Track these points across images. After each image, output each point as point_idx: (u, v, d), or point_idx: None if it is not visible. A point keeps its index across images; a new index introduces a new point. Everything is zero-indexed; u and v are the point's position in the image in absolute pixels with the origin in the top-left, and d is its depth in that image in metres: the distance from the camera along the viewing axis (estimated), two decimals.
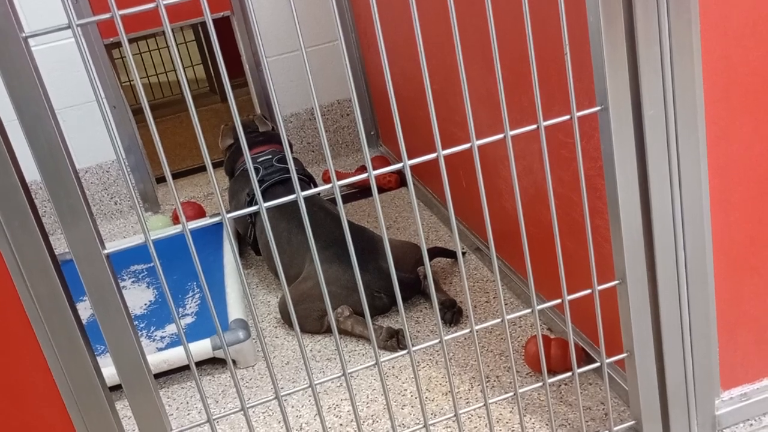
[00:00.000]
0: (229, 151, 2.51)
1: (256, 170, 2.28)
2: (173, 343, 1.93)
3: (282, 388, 1.74)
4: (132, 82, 4.33)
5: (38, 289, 0.97)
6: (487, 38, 1.04)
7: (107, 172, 2.95)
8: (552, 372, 1.55)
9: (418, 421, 1.56)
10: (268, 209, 1.01)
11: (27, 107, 0.88)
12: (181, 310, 2.07)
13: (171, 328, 2.00)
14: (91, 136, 2.86)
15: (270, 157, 2.34)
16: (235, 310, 1.95)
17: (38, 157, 0.91)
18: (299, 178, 2.33)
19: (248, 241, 2.33)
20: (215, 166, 2.60)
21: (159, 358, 1.80)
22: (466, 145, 1.05)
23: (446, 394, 1.62)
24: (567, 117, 1.09)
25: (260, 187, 2.23)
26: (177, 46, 0.93)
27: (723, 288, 1.28)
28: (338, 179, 1.04)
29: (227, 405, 1.74)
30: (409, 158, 1.04)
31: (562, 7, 1.02)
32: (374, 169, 1.04)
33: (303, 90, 3.04)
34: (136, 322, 2.04)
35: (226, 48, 0.87)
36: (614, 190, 1.14)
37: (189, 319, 2.03)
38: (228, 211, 1.01)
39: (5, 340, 1.02)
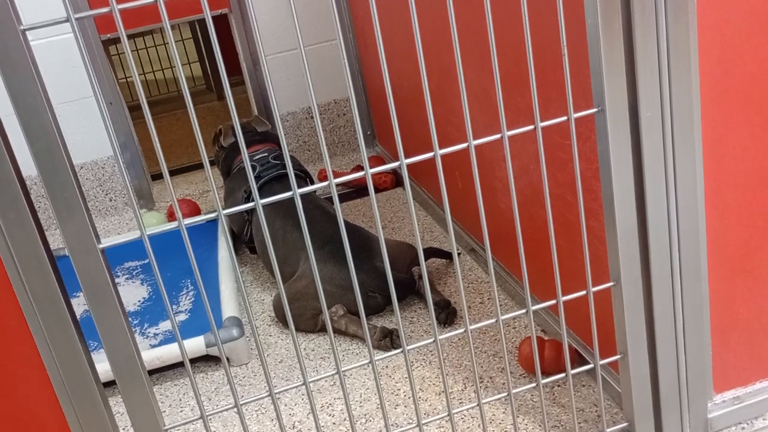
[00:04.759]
0: (225, 150, 2.51)
1: (253, 168, 2.28)
2: (166, 340, 1.92)
3: (275, 386, 1.74)
4: (129, 79, 4.32)
5: (33, 284, 0.97)
6: (483, 38, 1.04)
7: (102, 168, 2.94)
8: (545, 373, 1.55)
9: (411, 421, 1.56)
10: (264, 207, 1.01)
11: (24, 100, 0.88)
12: (174, 307, 2.07)
13: (164, 325, 2.00)
14: (87, 132, 2.85)
15: (266, 155, 2.34)
16: (228, 308, 1.95)
17: (35, 151, 0.90)
18: (296, 174, 2.34)
19: (244, 239, 2.33)
20: (211, 164, 2.60)
21: (152, 355, 1.80)
22: (463, 145, 1.05)
23: (440, 394, 1.62)
24: (564, 118, 1.09)
25: (257, 184, 2.23)
26: (174, 43, 0.93)
27: (717, 291, 1.29)
28: (334, 178, 1.04)
29: (220, 402, 1.74)
30: (405, 159, 1.04)
31: (560, 8, 1.02)
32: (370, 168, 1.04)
33: (300, 89, 3.03)
34: (130, 319, 2.03)
35: (224, 46, 0.87)
36: (610, 191, 1.14)
37: (182, 317, 2.03)
38: (224, 209, 1.01)
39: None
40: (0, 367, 1.04)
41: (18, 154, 0.93)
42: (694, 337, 1.26)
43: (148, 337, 1.96)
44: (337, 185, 1.03)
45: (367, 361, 1.14)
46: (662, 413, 1.30)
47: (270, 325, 2.01)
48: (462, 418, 1.52)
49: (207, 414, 1.10)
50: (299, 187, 1.02)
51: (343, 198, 2.67)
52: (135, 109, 3.30)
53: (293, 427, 1.61)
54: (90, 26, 2.75)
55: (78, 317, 1.03)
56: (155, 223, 2.69)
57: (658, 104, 1.10)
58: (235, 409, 1.10)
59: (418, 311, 1.95)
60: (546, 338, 1.67)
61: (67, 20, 0.86)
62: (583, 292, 1.20)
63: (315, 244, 1.93)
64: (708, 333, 1.30)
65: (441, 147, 1.05)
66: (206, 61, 4.54)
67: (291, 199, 1.02)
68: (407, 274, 1.96)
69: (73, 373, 1.03)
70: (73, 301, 1.02)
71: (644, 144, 1.12)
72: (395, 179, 2.75)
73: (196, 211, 2.72)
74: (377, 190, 2.70)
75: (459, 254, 2.17)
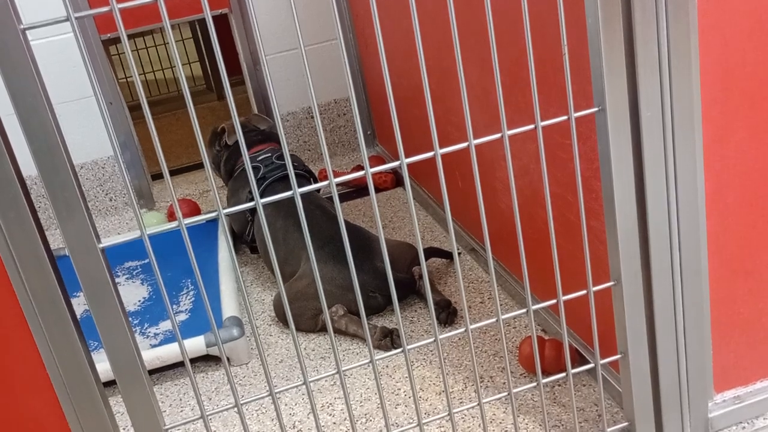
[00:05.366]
0: (227, 151, 2.50)
1: (257, 169, 2.28)
2: (166, 340, 1.92)
3: (276, 385, 1.74)
4: (129, 79, 4.32)
5: (33, 284, 0.97)
6: (483, 38, 1.04)
7: (102, 168, 2.94)
8: (546, 373, 1.55)
9: (411, 421, 1.56)
10: (265, 207, 1.01)
11: (24, 100, 0.88)
12: (175, 307, 2.07)
13: (164, 325, 2.00)
14: (87, 132, 2.85)
15: (270, 155, 2.34)
16: (229, 308, 1.95)
17: (35, 150, 0.90)
18: (300, 174, 2.34)
19: (246, 240, 2.33)
20: (212, 161, 2.60)
21: (152, 355, 1.80)
22: (464, 144, 1.05)
23: (440, 393, 1.62)
24: (564, 117, 1.09)
25: (262, 185, 2.23)
26: (174, 43, 0.93)
27: (717, 290, 1.29)
28: (334, 178, 1.04)
29: (220, 402, 1.74)
30: (406, 158, 1.04)
31: (561, 8, 1.02)
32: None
33: (300, 89, 3.03)
34: (130, 319, 2.03)
35: (224, 46, 0.87)
36: (610, 191, 1.14)
37: (183, 317, 2.03)
38: (224, 209, 1.01)
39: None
40: (0, 367, 1.04)
41: (18, 154, 0.93)
42: (695, 337, 1.26)
43: (148, 336, 1.96)
44: (338, 185, 1.03)
45: (367, 361, 1.14)
46: (663, 412, 1.30)
47: (270, 325, 2.01)
48: (462, 418, 1.52)
49: (207, 414, 1.10)
50: (304, 187, 1.02)
51: (343, 198, 2.67)
52: (135, 108, 3.30)
53: (293, 427, 1.61)
54: (90, 26, 2.74)
55: (78, 317, 1.03)
56: (155, 223, 2.69)
57: (658, 104, 1.10)
58: (236, 409, 1.10)
59: (418, 311, 1.95)
60: (546, 338, 1.67)
61: (67, 19, 0.86)
62: (584, 292, 1.20)
63: (315, 244, 1.93)
64: (708, 332, 1.30)
65: (441, 146, 1.05)
66: (206, 60, 4.54)
67: (292, 199, 1.02)
68: (407, 274, 1.96)
69: (73, 373, 1.03)
70: (73, 301, 1.02)
71: (645, 143, 1.12)
72: (395, 179, 2.75)
73: (196, 211, 2.72)
74: (377, 190, 2.70)
75: (459, 254, 2.17)
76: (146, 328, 1.99)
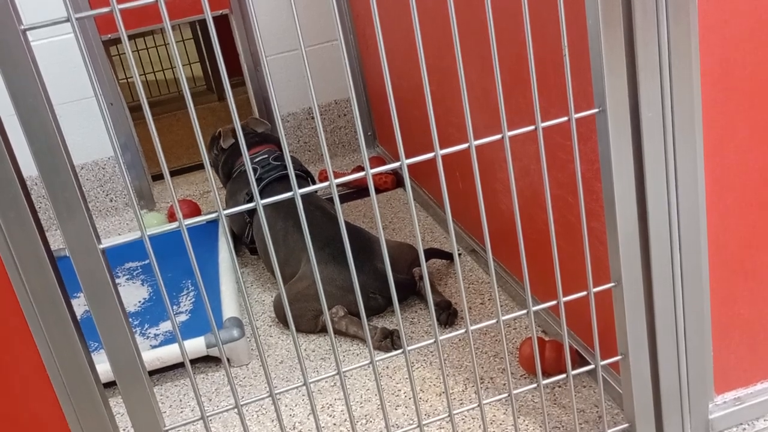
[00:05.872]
0: (225, 154, 2.50)
1: (254, 170, 2.28)
2: (167, 341, 1.92)
3: (276, 386, 1.74)
4: (129, 79, 4.32)
5: (33, 284, 0.97)
6: (483, 38, 1.04)
7: (103, 168, 2.94)
8: (546, 374, 1.55)
9: (411, 422, 1.56)
10: (264, 208, 1.01)
11: (25, 100, 0.88)
12: (175, 307, 2.07)
13: (165, 326, 2.00)
14: (87, 132, 2.85)
15: (267, 156, 2.34)
16: (229, 309, 1.95)
17: (35, 151, 0.90)
18: (298, 174, 2.34)
19: (245, 241, 2.33)
20: (212, 164, 2.60)
21: (152, 356, 1.80)
22: (464, 145, 1.05)
23: (440, 394, 1.62)
24: (565, 119, 1.09)
25: (259, 186, 2.23)
26: (175, 43, 0.93)
27: (718, 291, 1.29)
28: (335, 179, 1.04)
29: (220, 403, 1.74)
30: (406, 159, 1.04)
31: (562, 9, 1.02)
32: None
33: (300, 89, 3.03)
34: (130, 320, 2.03)
35: (224, 47, 0.88)
36: (611, 192, 1.14)
37: (183, 317, 2.03)
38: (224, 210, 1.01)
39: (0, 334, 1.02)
40: (0, 367, 1.04)
41: (18, 154, 0.93)
42: (695, 338, 1.26)
43: (148, 337, 1.96)
44: (338, 186, 1.03)
45: (367, 362, 1.14)
46: (663, 414, 1.30)
47: (270, 326, 2.01)
48: (463, 419, 1.52)
49: (207, 414, 1.10)
50: (301, 187, 1.02)
51: (343, 198, 2.67)
52: (135, 109, 3.30)
53: (294, 428, 1.61)
54: (90, 26, 2.74)
55: (78, 317, 1.03)
56: (156, 224, 2.69)
57: (659, 105, 1.10)
58: (236, 410, 1.10)
59: (418, 312, 1.95)
60: (547, 339, 1.67)
61: (68, 20, 0.86)
62: (584, 293, 1.20)
63: (316, 245, 1.93)
64: (709, 334, 1.30)
65: (442, 147, 1.05)
66: (207, 61, 4.54)
67: (292, 200, 1.02)
68: (408, 275, 1.96)
69: (73, 374, 1.03)
70: (74, 302, 1.02)
71: (645, 145, 1.12)
72: (396, 180, 2.75)
73: (197, 212, 2.72)
74: (378, 191, 2.70)
75: (459, 255, 2.17)
76: (146, 329, 1.99)
